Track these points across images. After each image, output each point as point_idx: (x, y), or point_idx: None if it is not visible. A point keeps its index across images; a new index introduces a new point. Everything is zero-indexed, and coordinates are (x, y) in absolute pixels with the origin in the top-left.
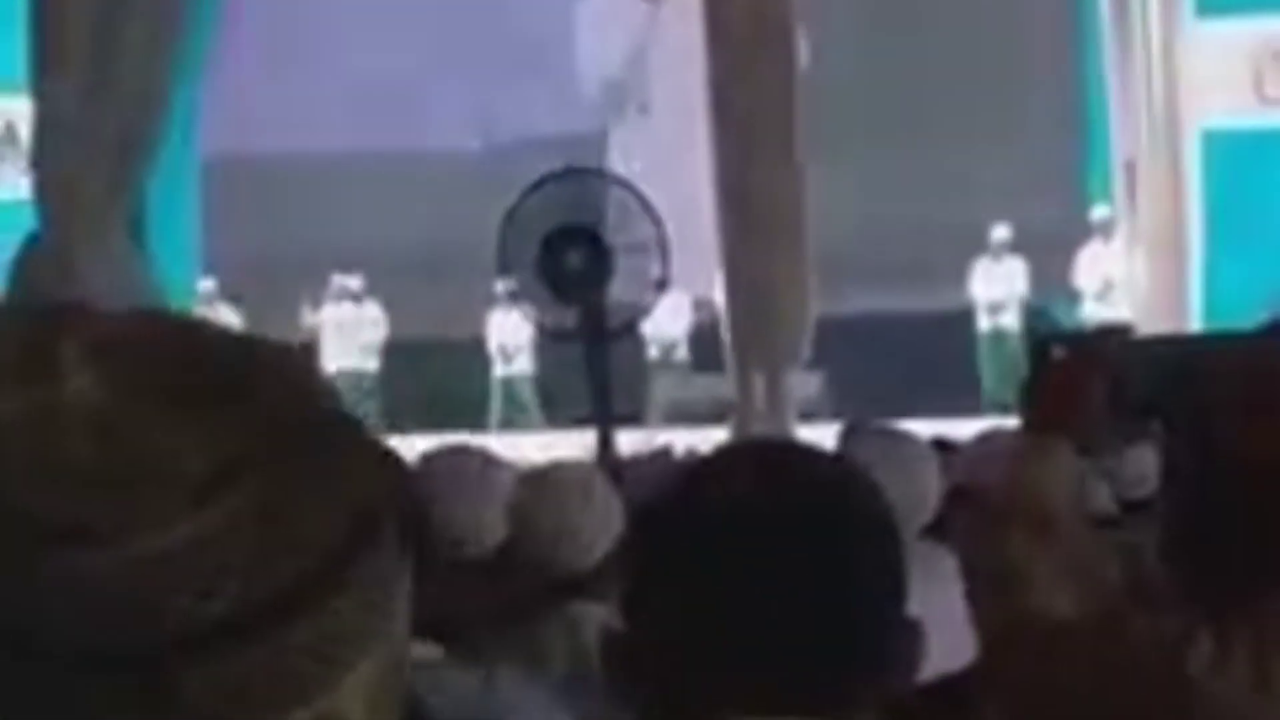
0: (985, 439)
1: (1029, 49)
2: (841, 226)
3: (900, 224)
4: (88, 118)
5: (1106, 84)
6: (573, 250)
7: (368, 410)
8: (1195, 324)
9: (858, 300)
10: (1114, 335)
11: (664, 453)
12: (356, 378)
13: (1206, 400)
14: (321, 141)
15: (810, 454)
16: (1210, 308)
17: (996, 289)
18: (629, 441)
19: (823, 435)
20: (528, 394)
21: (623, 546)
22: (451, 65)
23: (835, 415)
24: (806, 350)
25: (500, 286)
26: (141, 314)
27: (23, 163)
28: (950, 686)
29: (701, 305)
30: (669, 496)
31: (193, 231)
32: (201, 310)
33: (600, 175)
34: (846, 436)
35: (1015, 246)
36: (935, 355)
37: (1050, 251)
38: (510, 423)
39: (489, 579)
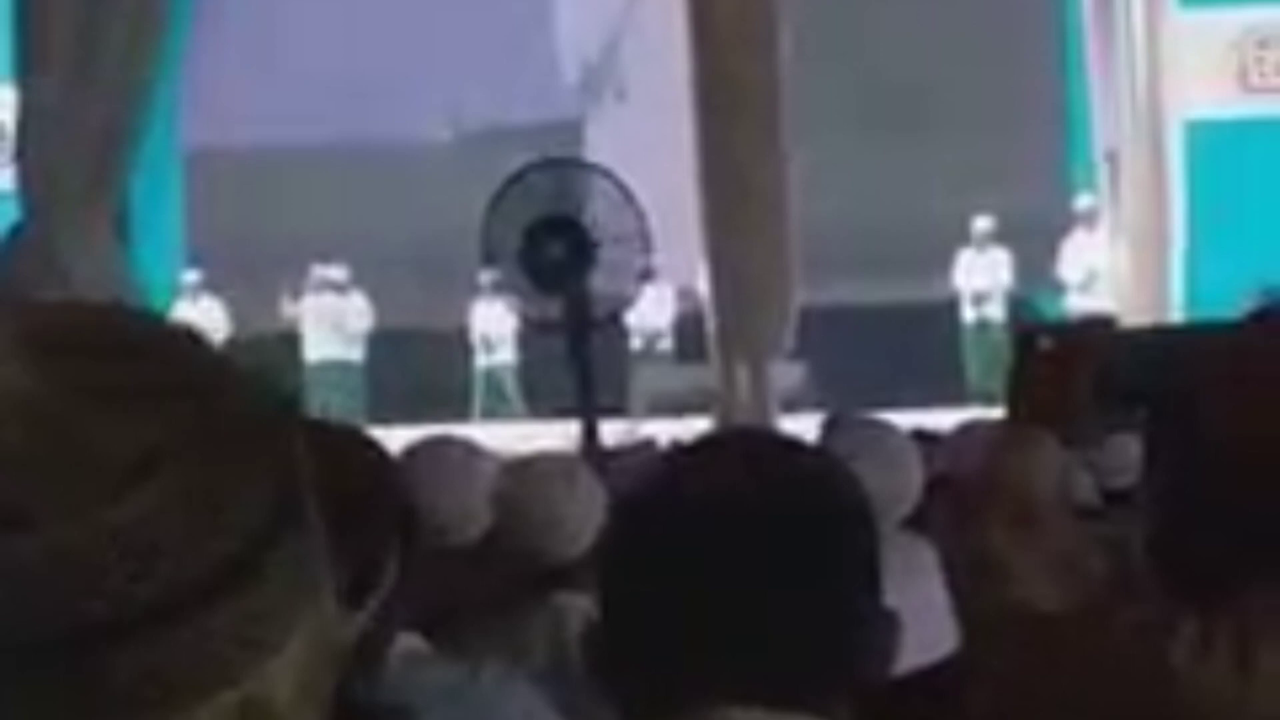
0: (967, 429)
1: (1013, 39)
2: (825, 217)
3: (884, 214)
4: (71, 111)
5: (1089, 74)
6: (555, 241)
7: (353, 401)
8: (1178, 313)
9: (841, 291)
10: (1099, 326)
11: (648, 444)
12: (341, 368)
13: (1190, 389)
14: (303, 132)
15: (788, 445)
16: (1193, 297)
17: (980, 279)
18: (612, 432)
19: (805, 426)
20: (510, 385)
21: (602, 537)
22: (430, 54)
23: (818, 406)
24: (790, 341)
25: (484, 277)
26: (70, 304)
27: (6, 156)
28: (931, 677)
29: (685, 295)
30: (647, 487)
31: (176, 224)
32: (185, 302)
33: (583, 165)
34: (828, 427)
35: (999, 237)
36: (919, 346)
37: (1034, 242)
38: (493, 413)
39: (473, 570)
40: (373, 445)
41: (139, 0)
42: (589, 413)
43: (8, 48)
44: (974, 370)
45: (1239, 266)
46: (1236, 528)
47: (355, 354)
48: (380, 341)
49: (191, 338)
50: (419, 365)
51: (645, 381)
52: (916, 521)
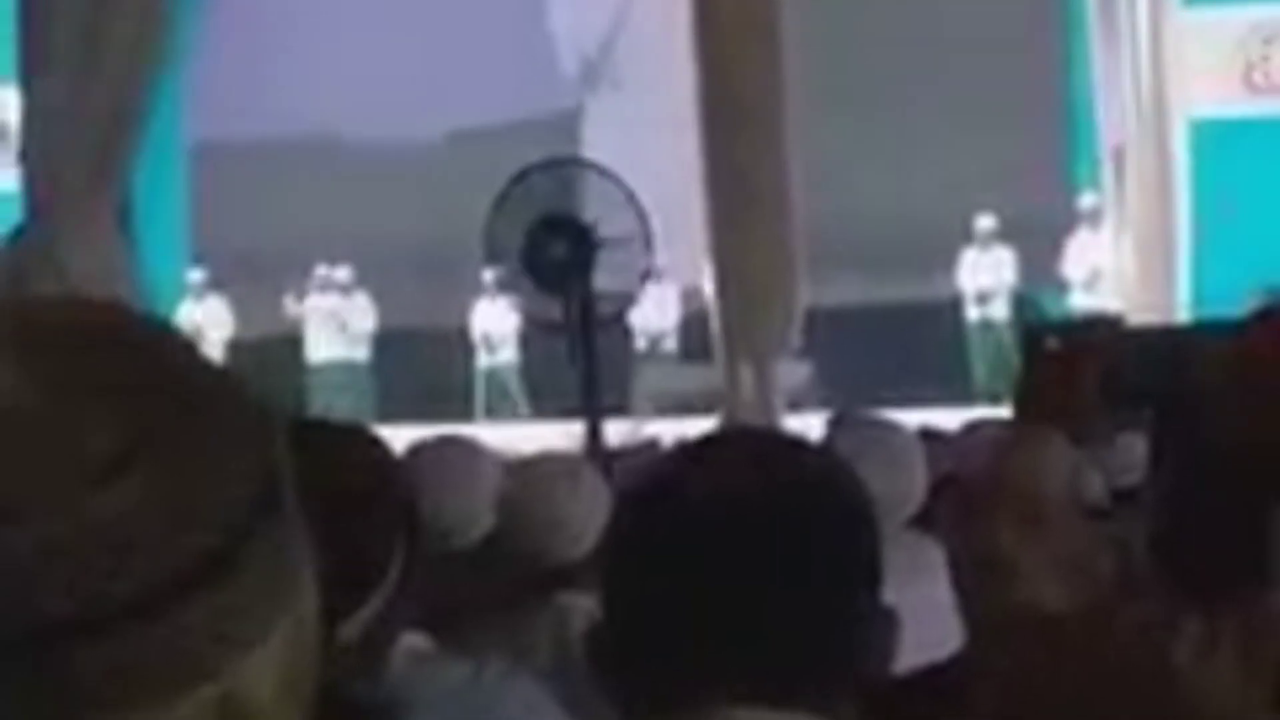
0: (973, 428)
1: (1016, 37)
2: (830, 216)
3: (888, 214)
4: (75, 111)
5: (1094, 72)
6: (557, 241)
7: (358, 401)
8: (1182, 312)
9: (846, 290)
10: (1106, 325)
11: (652, 444)
12: (345, 368)
13: (1195, 389)
14: (306, 128)
15: (790, 444)
16: (1198, 296)
17: (985, 278)
18: (616, 432)
19: (810, 425)
20: (514, 384)
21: (605, 536)
22: (429, 50)
23: (823, 405)
24: (795, 340)
25: (487, 277)
26: (51, 300)
27: (10, 157)
28: (936, 676)
29: (689, 294)
30: (650, 486)
31: (181, 222)
32: (190, 301)
33: (585, 165)
34: (833, 426)
35: (1003, 235)
36: (923, 345)
37: (1038, 240)
38: (496, 413)
39: (476, 570)
40: (377, 443)
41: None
42: (593, 413)
43: (11, 49)
44: (978, 369)
45: (1244, 265)
46: (1241, 528)
47: (360, 354)
48: (384, 342)
49: (174, 334)
50: (423, 366)
51: (650, 381)
52: (922, 520)
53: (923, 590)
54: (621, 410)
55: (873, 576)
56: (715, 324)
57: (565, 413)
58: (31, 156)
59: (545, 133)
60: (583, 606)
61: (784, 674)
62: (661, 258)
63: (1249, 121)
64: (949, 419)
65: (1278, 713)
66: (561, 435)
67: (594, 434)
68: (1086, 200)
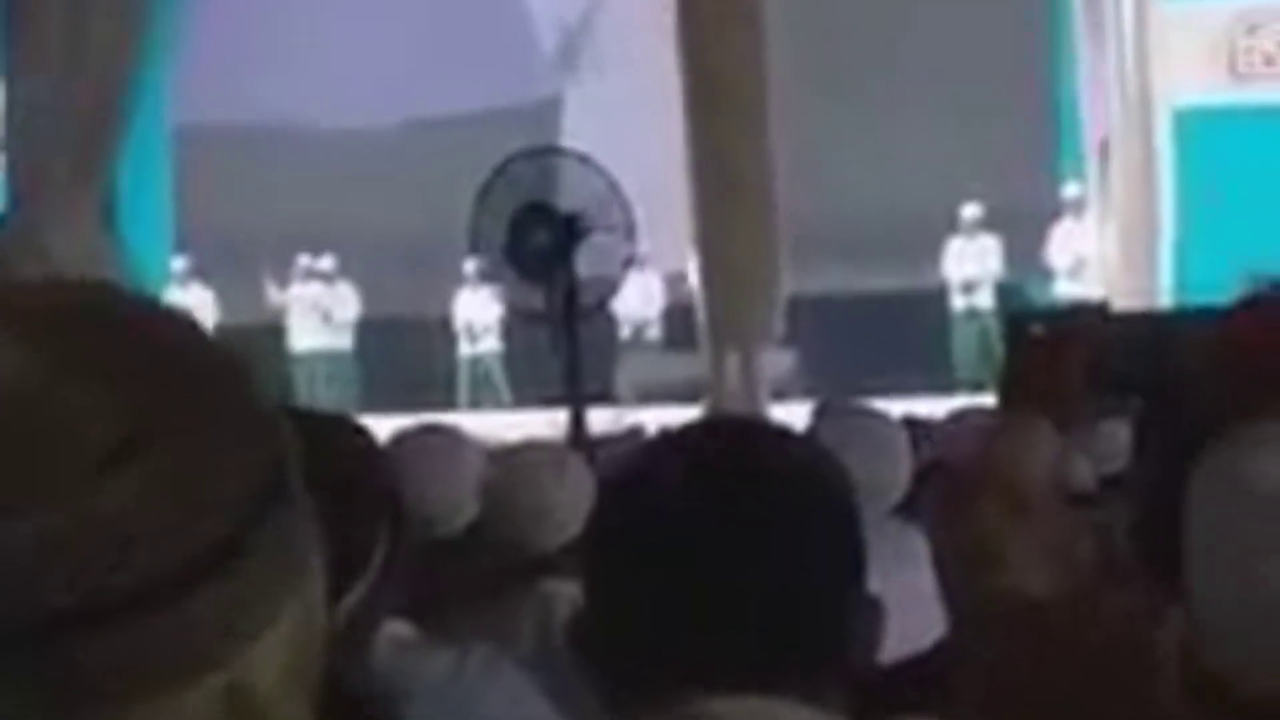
0: (958, 417)
1: (1001, 26)
2: (814, 205)
3: (873, 202)
4: (59, 104)
5: (1079, 62)
6: (538, 229)
7: (342, 390)
8: (1166, 300)
9: (831, 279)
10: (1091, 312)
11: (636, 432)
12: (328, 358)
13: (1180, 374)
14: (286, 116)
15: (773, 432)
16: (1182, 284)
17: (970, 267)
18: (599, 421)
19: (795, 414)
20: (497, 373)
21: (588, 523)
22: (409, 39)
23: (808, 394)
24: (779, 329)
25: (469, 266)
26: (54, 284)
27: None
28: (920, 664)
29: (673, 281)
30: (632, 473)
31: (165, 211)
32: (174, 289)
33: (568, 154)
34: (818, 415)
35: (988, 224)
36: (908, 334)
37: (1023, 229)
38: (479, 402)
39: (460, 558)
40: (361, 431)
41: None
42: (577, 401)
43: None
44: (963, 358)
45: (1227, 253)
46: None
47: (344, 343)
48: (367, 331)
49: (176, 316)
50: (405, 355)
51: (633, 370)
52: (906, 509)
53: (907, 579)
54: (605, 399)
55: (857, 565)
56: (700, 313)
57: (548, 401)
58: (15, 149)
59: (526, 119)
60: (566, 594)
61: (768, 662)
62: (645, 245)
63: (1233, 110)
64: (934, 407)
65: None
66: (545, 424)
67: (577, 422)
68: (1071, 189)
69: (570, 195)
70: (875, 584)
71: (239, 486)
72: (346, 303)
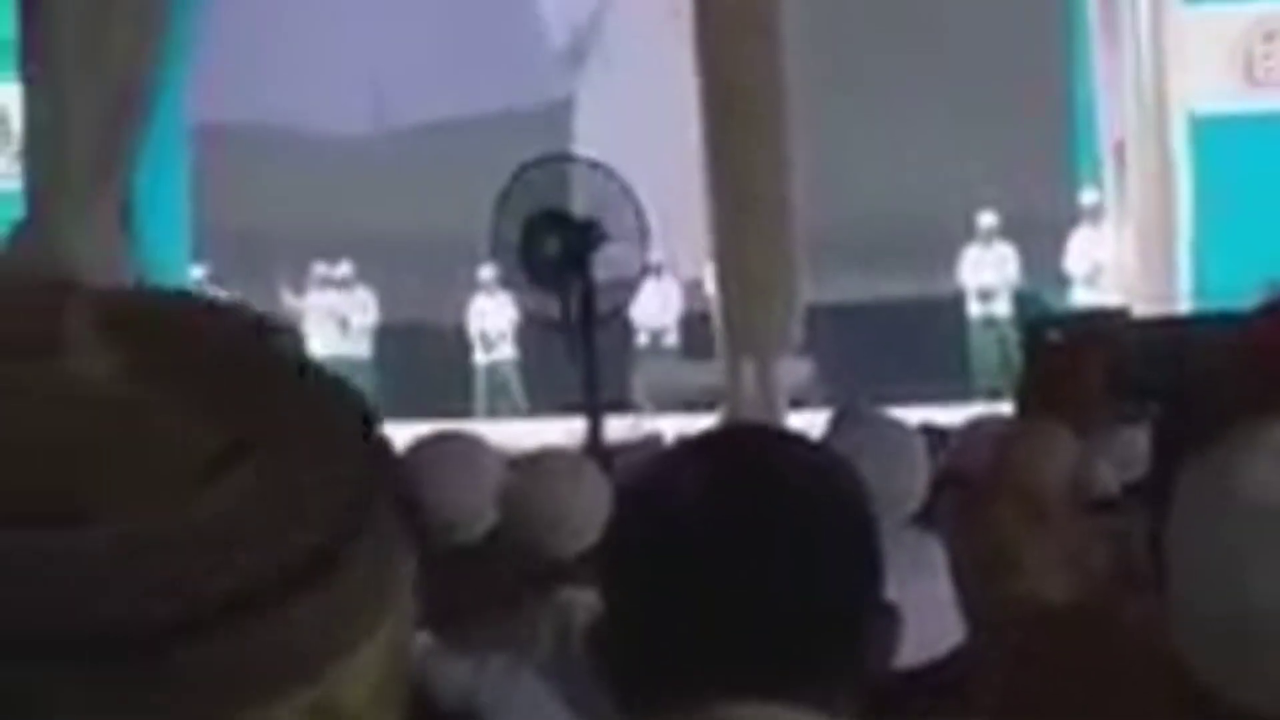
0: (976, 425)
1: (1017, 33)
2: (831, 213)
3: (890, 210)
4: (76, 106)
5: (1095, 69)
6: (552, 237)
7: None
8: (1184, 307)
9: (848, 287)
10: (1110, 318)
11: (654, 439)
12: (346, 364)
13: (1199, 380)
14: (303, 121)
15: (788, 439)
16: (1199, 291)
17: (987, 275)
18: (616, 428)
19: (813, 422)
20: (513, 381)
21: (605, 531)
22: (419, 39)
23: (826, 402)
24: (797, 337)
25: (485, 273)
26: (148, 290)
27: (13, 154)
28: (936, 672)
29: (691, 287)
30: (649, 481)
31: (182, 217)
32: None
33: (583, 161)
34: (836, 422)
35: (1005, 232)
36: (926, 342)
37: (1040, 237)
38: (496, 410)
39: (479, 566)
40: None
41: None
42: (595, 409)
43: (12, 49)
44: (980, 365)
45: (1245, 260)
46: None
47: (362, 350)
48: (385, 338)
49: (268, 329)
50: (422, 362)
51: (651, 377)
52: (924, 517)
53: (924, 586)
54: (622, 406)
55: (874, 573)
56: (717, 320)
57: (564, 409)
58: (33, 155)
59: (539, 121)
60: (584, 602)
61: (785, 670)
62: (662, 251)
63: (1249, 116)
64: (952, 416)
65: None
66: (562, 432)
67: (594, 430)
68: (1088, 196)
69: (586, 202)
70: (892, 592)
71: (336, 497)
72: (365, 309)
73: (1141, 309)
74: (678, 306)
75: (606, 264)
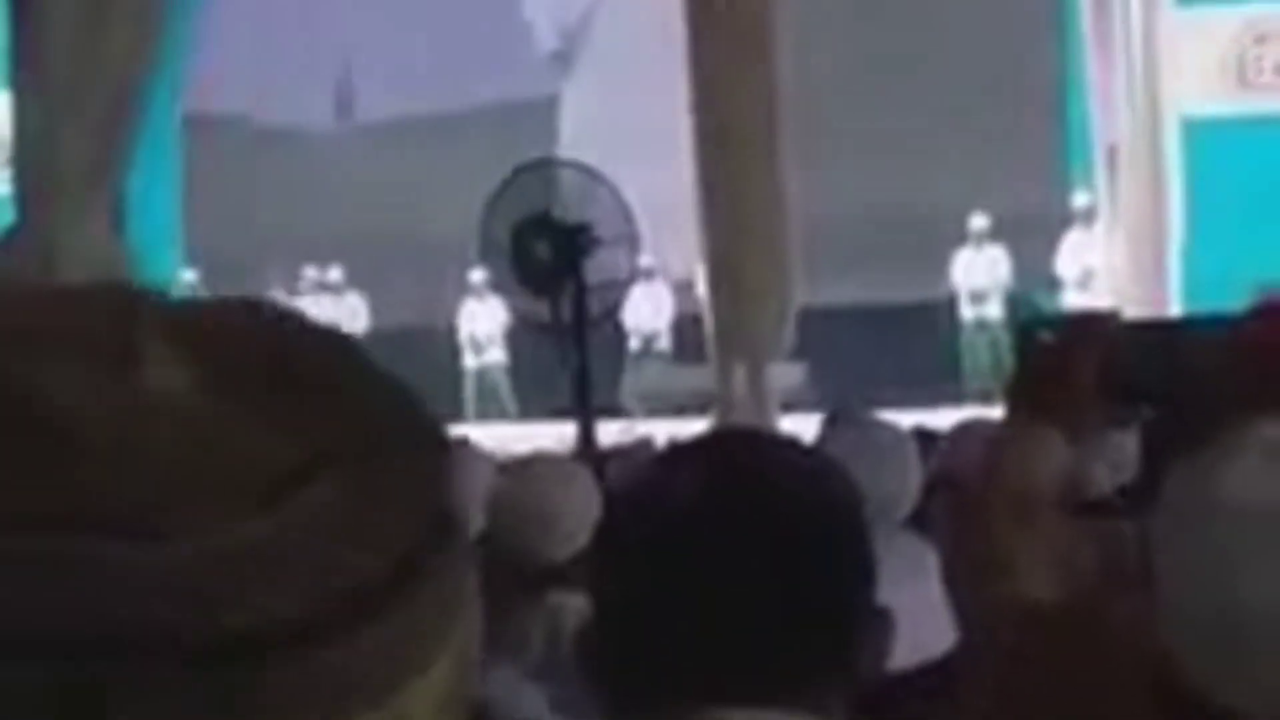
0: (966, 428)
1: (1010, 37)
2: (823, 217)
3: (882, 214)
4: (68, 114)
5: (1087, 71)
6: (541, 242)
7: None
8: (1175, 310)
9: (840, 290)
10: (1101, 320)
11: (645, 444)
12: None
13: (1190, 382)
14: (297, 118)
15: (779, 443)
16: (1191, 295)
17: (979, 278)
18: (608, 432)
19: (805, 426)
20: (503, 385)
21: (596, 535)
22: (412, 35)
23: (817, 406)
24: (789, 341)
25: (475, 276)
26: (223, 301)
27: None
28: (928, 675)
29: (682, 289)
30: (640, 486)
31: (175, 222)
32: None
33: (572, 165)
34: (828, 426)
35: (996, 235)
36: (918, 345)
37: (1032, 239)
38: (486, 414)
39: None
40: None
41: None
42: (586, 413)
43: (3, 55)
44: (972, 368)
45: (1236, 264)
46: None
47: None
48: (375, 342)
49: (341, 342)
50: (412, 366)
51: (643, 381)
52: (916, 521)
53: (916, 590)
54: (613, 411)
55: (866, 577)
56: (708, 324)
57: (554, 413)
58: (24, 161)
59: (527, 120)
60: (574, 605)
61: (776, 674)
62: (653, 253)
63: (1241, 119)
64: (944, 419)
65: None
66: (552, 436)
67: (586, 434)
68: (1080, 199)
69: (576, 205)
70: (885, 595)
71: (409, 516)
72: (355, 314)
73: (1133, 311)
74: (669, 310)
75: (597, 267)
